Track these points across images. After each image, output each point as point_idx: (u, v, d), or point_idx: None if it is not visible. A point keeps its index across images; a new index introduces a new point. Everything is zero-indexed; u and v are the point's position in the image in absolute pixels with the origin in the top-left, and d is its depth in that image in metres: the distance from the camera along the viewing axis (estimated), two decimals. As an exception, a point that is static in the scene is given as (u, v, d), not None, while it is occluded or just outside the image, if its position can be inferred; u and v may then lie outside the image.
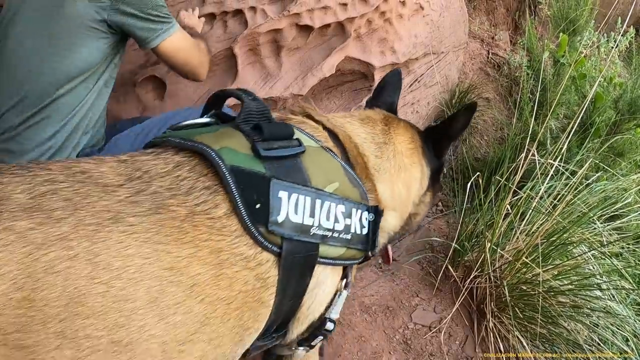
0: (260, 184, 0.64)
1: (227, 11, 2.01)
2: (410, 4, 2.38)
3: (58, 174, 0.60)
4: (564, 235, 1.64)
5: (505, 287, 1.61)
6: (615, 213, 1.82)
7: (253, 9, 2.00)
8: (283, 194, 0.64)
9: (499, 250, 1.65)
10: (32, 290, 0.51)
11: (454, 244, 1.83)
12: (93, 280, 0.54)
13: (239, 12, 2.02)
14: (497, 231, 1.69)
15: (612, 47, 2.84)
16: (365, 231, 0.75)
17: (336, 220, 0.69)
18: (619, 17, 2.80)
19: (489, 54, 3.63)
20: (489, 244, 1.65)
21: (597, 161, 1.89)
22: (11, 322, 0.50)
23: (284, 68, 2.11)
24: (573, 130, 1.79)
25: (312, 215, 0.67)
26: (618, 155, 2.00)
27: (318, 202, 0.68)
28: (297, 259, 0.67)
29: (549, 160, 1.72)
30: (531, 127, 1.92)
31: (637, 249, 1.75)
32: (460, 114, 1.00)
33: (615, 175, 1.92)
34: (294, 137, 0.73)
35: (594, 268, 1.64)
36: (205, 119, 0.79)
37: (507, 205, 1.74)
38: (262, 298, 0.66)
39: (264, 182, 0.64)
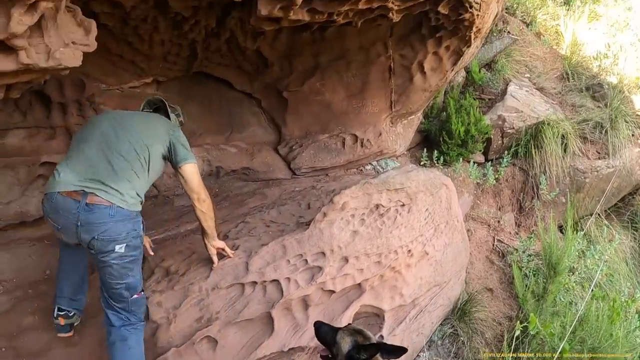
0: None
1: (266, 280, 2.54)
2: (416, 253, 2.87)
3: None
4: None
5: None
6: None
7: (287, 279, 2.53)
8: None
9: None
10: None
11: None
12: None
13: (275, 281, 2.54)
14: None
15: (598, 258, 3.22)
16: None
17: None
18: (605, 227, 3.18)
19: (494, 240, 4.06)
20: None
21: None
22: None
23: (310, 319, 2.59)
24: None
25: None
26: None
27: None
28: None
29: None
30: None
31: None
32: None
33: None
34: None
35: None
36: None
37: None
38: None
39: None
